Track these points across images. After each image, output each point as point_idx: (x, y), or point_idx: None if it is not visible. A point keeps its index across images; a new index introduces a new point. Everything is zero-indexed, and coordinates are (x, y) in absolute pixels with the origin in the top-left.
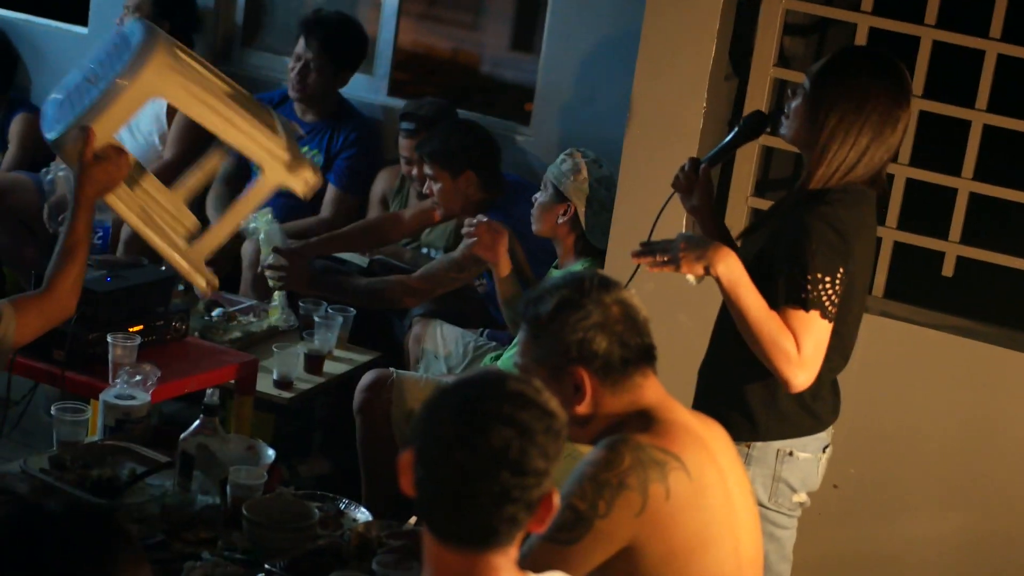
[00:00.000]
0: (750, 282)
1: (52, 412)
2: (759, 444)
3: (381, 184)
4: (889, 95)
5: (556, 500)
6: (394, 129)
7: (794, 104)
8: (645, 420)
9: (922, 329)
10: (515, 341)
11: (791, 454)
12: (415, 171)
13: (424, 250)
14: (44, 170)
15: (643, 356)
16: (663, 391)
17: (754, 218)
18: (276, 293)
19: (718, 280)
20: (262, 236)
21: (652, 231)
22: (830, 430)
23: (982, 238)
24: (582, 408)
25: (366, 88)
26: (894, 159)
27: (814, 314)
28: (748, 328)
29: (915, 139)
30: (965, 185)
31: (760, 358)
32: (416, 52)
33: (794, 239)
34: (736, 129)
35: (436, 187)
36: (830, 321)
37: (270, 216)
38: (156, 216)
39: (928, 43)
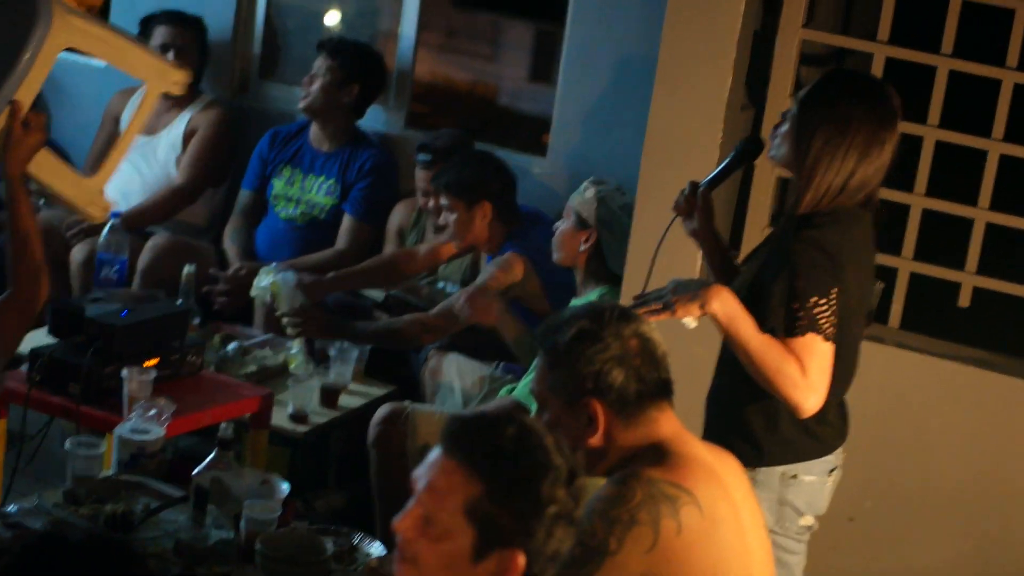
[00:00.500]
0: (747, 315)
1: (67, 446)
2: (763, 469)
3: (398, 217)
4: (874, 117)
5: (520, 563)
6: (411, 162)
7: (783, 128)
8: (657, 454)
9: (938, 360)
10: (531, 369)
11: (795, 477)
12: (431, 203)
13: (440, 284)
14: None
15: (659, 391)
16: (678, 424)
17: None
18: (295, 340)
19: (714, 318)
20: (272, 291)
21: (655, 256)
22: (839, 452)
23: (999, 269)
24: (595, 440)
25: (384, 120)
26: (909, 189)
27: (813, 337)
28: (751, 360)
29: (932, 169)
30: (982, 216)
31: (767, 388)
32: (434, 84)
33: (783, 265)
34: (732, 153)
35: (452, 218)
36: (830, 341)
37: (275, 268)
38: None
39: (945, 72)
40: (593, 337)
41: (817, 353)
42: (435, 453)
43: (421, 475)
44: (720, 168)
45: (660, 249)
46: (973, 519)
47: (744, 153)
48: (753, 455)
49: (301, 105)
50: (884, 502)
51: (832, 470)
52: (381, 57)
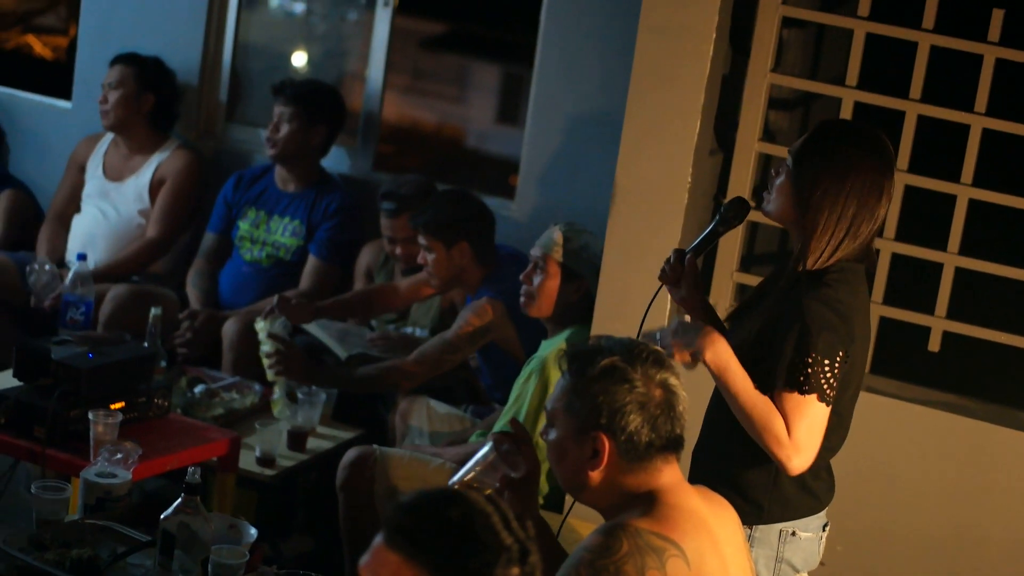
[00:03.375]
0: (739, 366)
1: (32, 490)
2: (762, 527)
3: (366, 257)
4: (872, 166)
5: None
6: (377, 204)
7: (778, 182)
8: (648, 504)
9: (909, 405)
10: (506, 408)
11: (794, 534)
12: (398, 250)
13: (409, 329)
14: (29, 269)
15: (669, 445)
16: (679, 476)
17: (740, 296)
18: (277, 386)
19: (707, 366)
20: (264, 334)
21: (642, 323)
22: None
23: (968, 313)
24: (595, 473)
25: (351, 162)
26: (879, 234)
27: (811, 398)
28: (739, 411)
29: (900, 213)
30: (951, 260)
31: (756, 440)
32: (401, 126)
33: (794, 323)
34: (718, 217)
35: (430, 257)
36: (828, 404)
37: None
38: None
39: (913, 117)
40: (622, 376)
41: (810, 413)
42: (377, 541)
43: (366, 566)
44: (705, 234)
45: (642, 313)
46: (944, 564)
47: (730, 216)
48: (752, 513)
49: (271, 154)
50: (856, 547)
51: (825, 525)
52: (338, 92)
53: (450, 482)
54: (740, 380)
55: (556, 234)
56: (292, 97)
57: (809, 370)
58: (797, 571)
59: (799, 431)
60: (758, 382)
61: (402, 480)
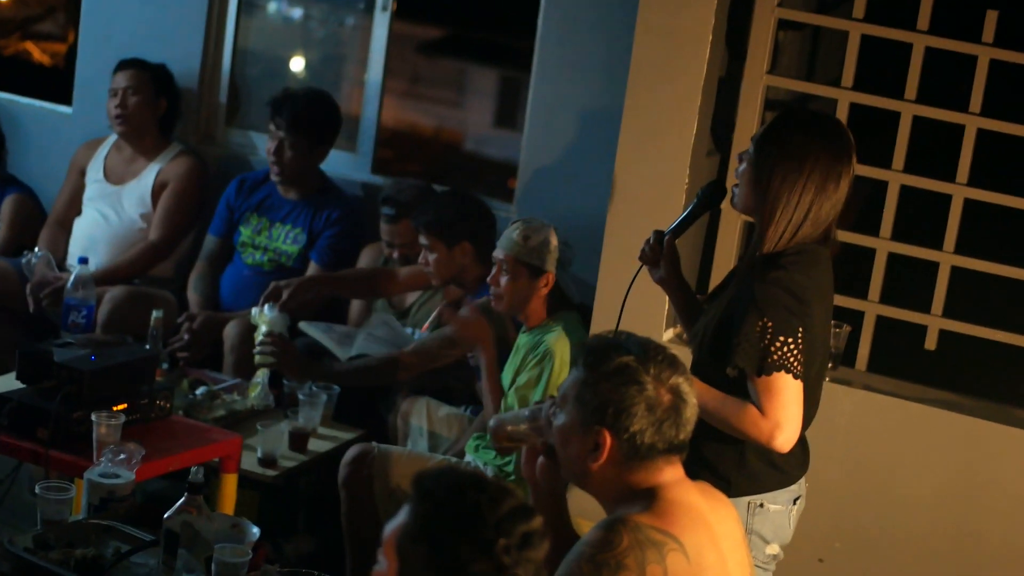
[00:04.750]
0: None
1: (36, 491)
2: (731, 500)
3: (365, 260)
4: (829, 152)
5: None
6: (376, 206)
7: (740, 169)
8: (648, 499)
9: (905, 402)
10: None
11: (762, 506)
12: (396, 254)
13: (408, 330)
14: (24, 253)
15: (672, 449)
16: (681, 474)
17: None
18: (260, 371)
19: None
20: (263, 326)
21: (623, 306)
22: (801, 482)
23: (965, 311)
24: (595, 466)
25: (350, 166)
26: (875, 233)
27: (783, 376)
28: (712, 417)
29: (897, 213)
30: (947, 259)
31: (741, 438)
32: (399, 130)
33: (749, 307)
34: (695, 200)
35: (431, 257)
36: (797, 378)
37: (270, 309)
38: None
39: (909, 118)
40: (634, 376)
41: (786, 391)
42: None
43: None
44: (683, 216)
45: (628, 297)
46: (941, 561)
47: (706, 199)
48: (720, 487)
49: (276, 179)
50: (853, 543)
51: (796, 499)
52: (335, 104)
53: (493, 421)
54: (700, 387)
55: (515, 234)
56: (292, 123)
57: (772, 349)
58: (767, 542)
59: (774, 409)
60: (722, 362)
61: (402, 478)
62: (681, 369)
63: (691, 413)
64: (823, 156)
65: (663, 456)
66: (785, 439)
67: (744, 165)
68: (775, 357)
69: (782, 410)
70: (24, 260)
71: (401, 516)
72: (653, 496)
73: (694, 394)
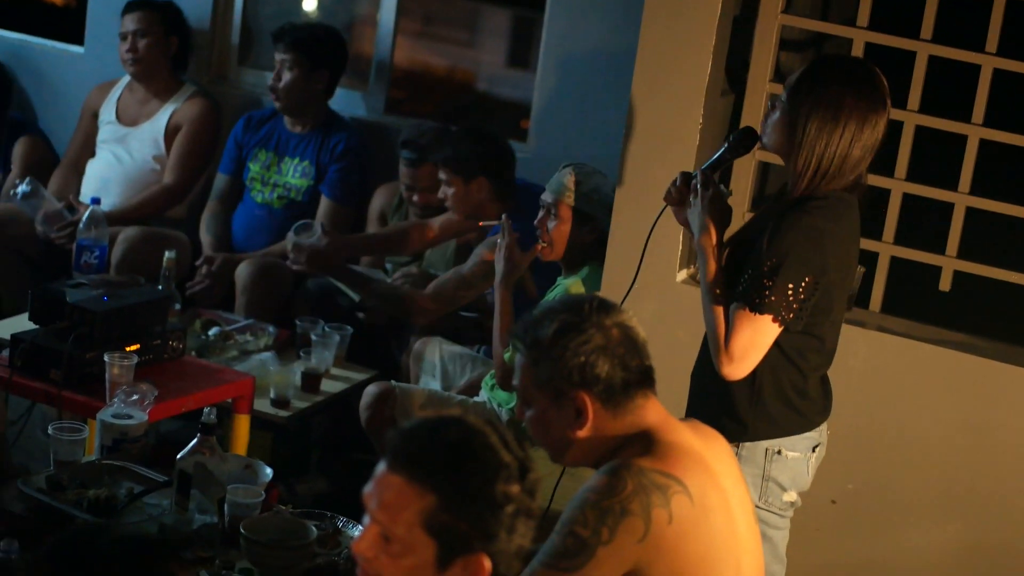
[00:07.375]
0: (712, 261)
1: (49, 431)
2: (748, 444)
3: (379, 200)
4: (864, 101)
5: (486, 566)
6: (390, 146)
7: (774, 117)
8: (646, 443)
9: (919, 344)
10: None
11: (780, 453)
12: (416, 198)
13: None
14: (12, 191)
15: (644, 378)
16: (664, 412)
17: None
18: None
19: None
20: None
21: (645, 246)
22: (822, 429)
23: (979, 252)
24: (583, 432)
25: (363, 106)
26: (890, 174)
27: (762, 317)
28: (705, 320)
29: (912, 154)
30: (962, 200)
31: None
32: (412, 70)
33: (768, 244)
34: (727, 144)
35: (449, 192)
36: (782, 326)
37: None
38: None
39: (924, 58)
40: (576, 329)
41: (758, 331)
42: (380, 468)
43: (371, 493)
44: (713, 158)
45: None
46: (956, 502)
47: (737, 143)
48: (738, 430)
49: (277, 106)
50: (867, 485)
51: (816, 446)
52: (338, 33)
53: None
54: (709, 274)
55: (567, 178)
56: (292, 44)
57: (767, 291)
58: (785, 490)
59: (736, 342)
60: (732, 289)
61: (425, 415)
62: (614, 307)
63: (643, 340)
64: (859, 103)
65: (639, 391)
66: (730, 372)
67: (777, 114)
68: (772, 299)
69: (741, 347)
70: (13, 193)
71: (407, 499)
72: (650, 439)
73: (636, 320)
